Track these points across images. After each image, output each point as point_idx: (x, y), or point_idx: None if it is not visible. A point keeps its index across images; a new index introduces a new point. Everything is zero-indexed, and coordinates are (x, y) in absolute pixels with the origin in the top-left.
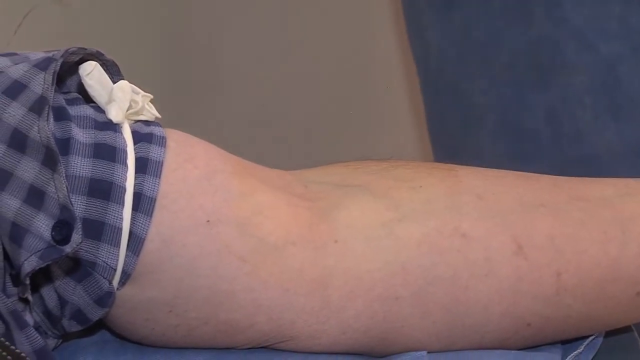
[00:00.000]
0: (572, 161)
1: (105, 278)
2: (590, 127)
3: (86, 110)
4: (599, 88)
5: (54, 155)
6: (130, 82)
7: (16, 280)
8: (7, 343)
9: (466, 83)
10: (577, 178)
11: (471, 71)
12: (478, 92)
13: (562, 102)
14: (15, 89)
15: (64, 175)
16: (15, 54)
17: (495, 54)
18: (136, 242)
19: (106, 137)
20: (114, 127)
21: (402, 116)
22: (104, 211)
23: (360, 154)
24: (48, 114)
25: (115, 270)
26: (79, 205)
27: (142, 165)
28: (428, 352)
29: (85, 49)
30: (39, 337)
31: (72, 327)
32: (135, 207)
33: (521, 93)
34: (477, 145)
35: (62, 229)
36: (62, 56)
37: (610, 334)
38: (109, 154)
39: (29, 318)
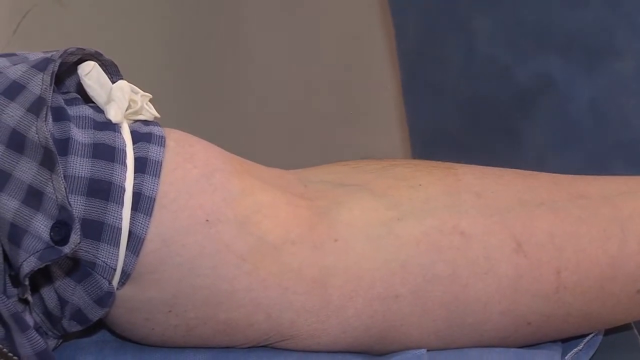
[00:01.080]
0: (615, 147)
1: (105, 278)
2: (636, 113)
3: (85, 110)
4: None
5: (52, 155)
6: (129, 82)
7: (16, 281)
8: (4, 350)
9: (518, 67)
10: (576, 176)
11: (523, 55)
12: (529, 76)
13: (608, 87)
14: (14, 90)
15: (62, 175)
16: (14, 55)
17: (549, 37)
18: (136, 242)
19: (105, 137)
20: (113, 127)
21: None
22: (103, 211)
23: (359, 153)
24: (46, 114)
25: (115, 270)
26: (78, 206)
27: (142, 165)
28: (428, 350)
29: (84, 49)
30: (41, 340)
31: (72, 327)
32: (135, 207)
33: (571, 77)
34: (518, 130)
35: (61, 229)
36: (60, 57)
37: (610, 331)
38: (108, 153)
39: (29, 319)
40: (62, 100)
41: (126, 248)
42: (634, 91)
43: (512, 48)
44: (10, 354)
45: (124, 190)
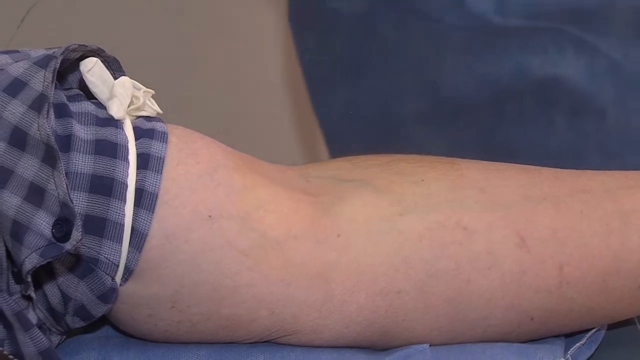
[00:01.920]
0: None
1: (108, 274)
2: None
3: (87, 106)
4: None
5: (53, 152)
6: (131, 78)
7: (19, 277)
8: (5, 352)
9: None
10: (578, 170)
11: None
12: None
13: None
14: (16, 87)
15: (63, 172)
16: (16, 52)
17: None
18: (138, 238)
19: (107, 133)
20: (115, 123)
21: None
22: (105, 208)
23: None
24: (48, 111)
25: (117, 266)
26: (81, 202)
27: (144, 161)
28: (430, 346)
29: (86, 46)
30: (44, 338)
31: (76, 323)
32: (137, 203)
33: None
34: None
35: (63, 226)
36: (62, 53)
37: (612, 326)
38: (111, 150)
39: (32, 316)
40: (64, 97)
41: (129, 244)
42: None
43: None
44: (11, 357)
45: (127, 187)
